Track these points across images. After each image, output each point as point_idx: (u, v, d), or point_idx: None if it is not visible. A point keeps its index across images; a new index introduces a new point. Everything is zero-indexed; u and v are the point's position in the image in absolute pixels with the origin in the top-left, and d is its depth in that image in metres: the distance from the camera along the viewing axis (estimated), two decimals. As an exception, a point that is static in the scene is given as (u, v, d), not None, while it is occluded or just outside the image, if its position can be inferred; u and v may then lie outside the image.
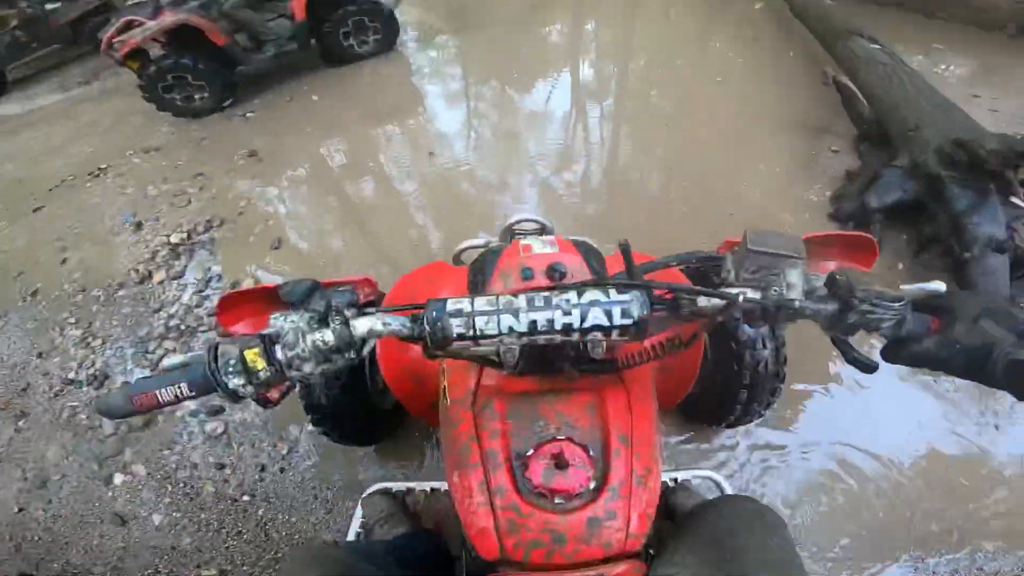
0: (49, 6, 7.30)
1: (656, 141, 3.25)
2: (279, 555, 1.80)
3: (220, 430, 2.07)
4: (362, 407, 1.49)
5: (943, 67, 4.18)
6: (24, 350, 2.49)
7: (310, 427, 1.86)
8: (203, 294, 2.53)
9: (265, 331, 0.57)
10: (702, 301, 0.63)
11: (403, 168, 3.18)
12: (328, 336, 0.56)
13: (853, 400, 1.85)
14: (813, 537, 1.58)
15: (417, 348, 0.62)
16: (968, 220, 2.01)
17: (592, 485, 0.69)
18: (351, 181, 3.16)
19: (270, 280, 2.55)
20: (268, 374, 0.55)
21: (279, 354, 0.56)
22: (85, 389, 2.28)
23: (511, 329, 0.58)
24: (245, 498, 1.92)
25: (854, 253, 0.99)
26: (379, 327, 0.59)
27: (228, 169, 3.33)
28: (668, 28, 5.59)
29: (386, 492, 1.46)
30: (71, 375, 2.33)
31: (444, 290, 1.12)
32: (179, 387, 0.54)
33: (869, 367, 0.65)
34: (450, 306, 0.59)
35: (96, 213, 3.19)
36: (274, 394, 0.60)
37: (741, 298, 0.60)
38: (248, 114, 3.91)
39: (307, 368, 0.56)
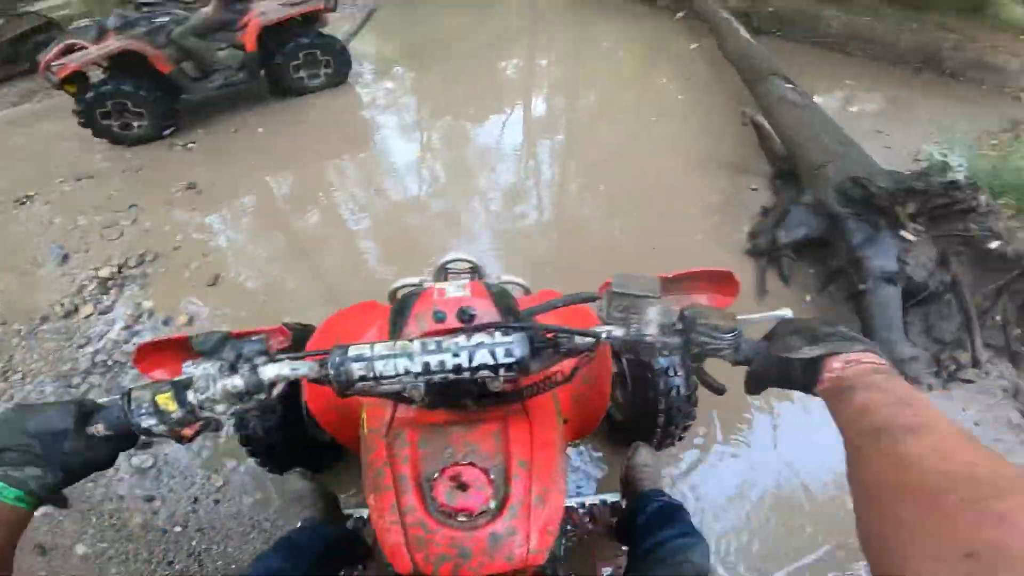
0: (-7, 21, 6.96)
1: (598, 179, 3.41)
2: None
3: (149, 463, 2.02)
4: (299, 439, 1.54)
5: (854, 105, 4.57)
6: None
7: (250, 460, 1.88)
8: (133, 330, 2.46)
9: (178, 378, 0.63)
10: (577, 339, 0.69)
11: (352, 202, 3.19)
12: (237, 381, 0.62)
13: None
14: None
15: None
16: (863, 254, 2.20)
17: (492, 504, 0.74)
18: (297, 215, 3.14)
19: (205, 317, 2.51)
20: (180, 415, 0.61)
21: (191, 398, 0.61)
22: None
23: (407, 371, 0.64)
24: (176, 528, 1.88)
25: (718, 286, 1.10)
26: (286, 372, 0.65)
27: (165, 201, 3.24)
28: (615, 66, 5.87)
29: (304, 475, 1.50)
30: (-17, 411, 2.20)
31: (370, 329, 1.17)
32: (96, 427, 0.60)
33: (719, 390, 0.77)
34: (352, 352, 0.64)
35: (21, 243, 3.05)
36: (188, 432, 0.65)
37: (605, 335, 0.69)
38: (190, 144, 3.84)
39: (219, 409, 0.62)
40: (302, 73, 4.37)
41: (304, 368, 0.65)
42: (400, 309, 0.87)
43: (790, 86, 3.34)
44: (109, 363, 2.31)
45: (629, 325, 0.69)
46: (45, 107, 5.19)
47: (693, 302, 0.73)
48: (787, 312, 0.72)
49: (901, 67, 5.27)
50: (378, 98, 4.60)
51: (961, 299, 2.27)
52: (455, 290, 0.85)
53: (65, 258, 2.86)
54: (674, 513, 1.17)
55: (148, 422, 0.60)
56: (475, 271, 1.57)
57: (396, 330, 0.86)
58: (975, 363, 2.18)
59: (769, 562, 1.66)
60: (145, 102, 3.72)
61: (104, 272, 2.70)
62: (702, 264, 1.11)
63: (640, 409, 1.52)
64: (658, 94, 4.78)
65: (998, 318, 2.34)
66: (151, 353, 1.05)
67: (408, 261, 2.70)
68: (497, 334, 0.66)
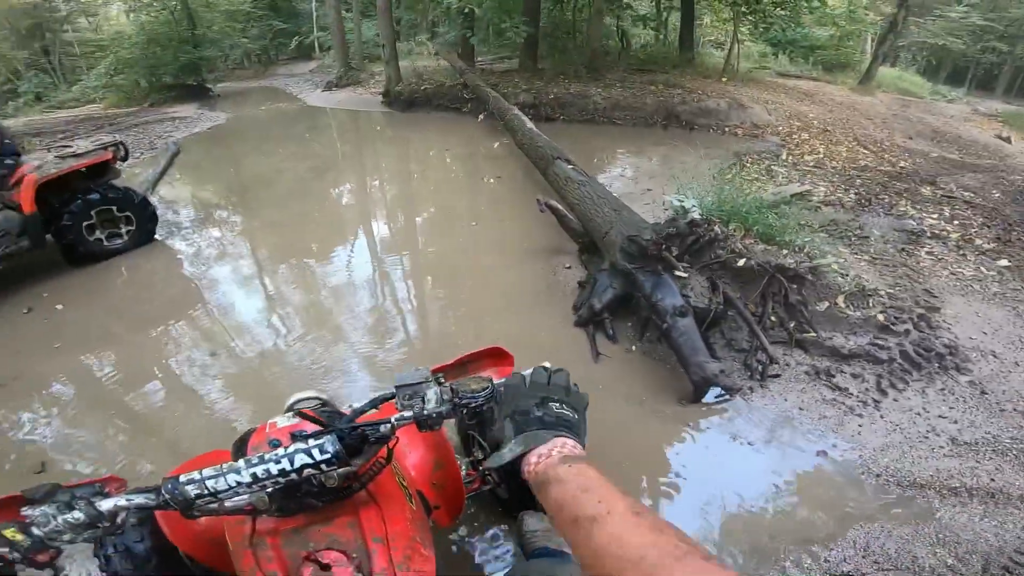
0: None
1: (441, 288, 3.59)
2: None
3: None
4: None
5: (627, 169, 5.42)
6: None
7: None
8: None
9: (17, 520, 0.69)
10: (381, 427, 0.82)
11: (196, 368, 2.92)
12: (77, 514, 0.68)
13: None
14: None
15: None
16: (656, 298, 2.60)
17: None
18: (130, 392, 2.78)
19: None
20: (29, 543, 0.67)
21: (36, 532, 0.67)
22: None
23: (239, 483, 0.74)
24: None
25: (497, 360, 1.29)
26: (123, 503, 0.72)
27: (-43, 404, 2.70)
28: (440, 174, 6.24)
29: None
30: None
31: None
32: None
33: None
34: (183, 478, 0.74)
35: None
36: (43, 557, 0.71)
37: (396, 419, 0.82)
38: (-32, 334, 3.24)
39: (66, 538, 0.68)
40: (99, 234, 3.98)
41: (140, 498, 0.73)
42: (239, 446, 0.95)
43: (571, 166, 3.92)
44: None
45: (414, 407, 0.82)
46: None
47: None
48: (545, 365, 0.87)
49: (653, 127, 6.40)
50: (203, 249, 4.33)
51: (739, 312, 2.76)
52: (285, 420, 0.95)
53: None
54: (553, 551, 1.28)
55: (1, 550, 0.66)
56: (325, 405, 1.63)
57: None
58: (771, 360, 2.61)
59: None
60: None
61: None
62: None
63: (514, 483, 1.66)
64: (479, 195, 5.23)
65: (773, 318, 2.87)
66: None
67: (276, 411, 2.51)
68: (311, 439, 0.78)
